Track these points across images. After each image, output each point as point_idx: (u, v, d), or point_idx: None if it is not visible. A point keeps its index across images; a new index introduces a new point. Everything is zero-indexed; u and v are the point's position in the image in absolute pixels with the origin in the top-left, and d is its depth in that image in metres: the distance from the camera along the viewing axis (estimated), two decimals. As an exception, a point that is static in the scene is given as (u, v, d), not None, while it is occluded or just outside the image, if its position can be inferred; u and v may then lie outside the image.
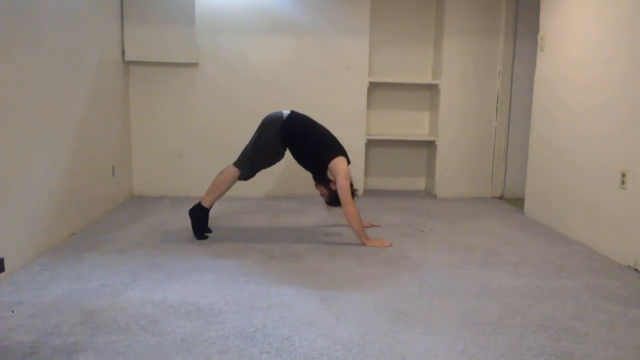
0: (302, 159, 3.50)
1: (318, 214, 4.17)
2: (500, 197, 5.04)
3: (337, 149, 3.44)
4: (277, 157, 3.49)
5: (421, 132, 5.27)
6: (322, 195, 3.61)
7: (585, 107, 3.56)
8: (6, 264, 2.58)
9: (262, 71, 4.72)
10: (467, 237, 3.63)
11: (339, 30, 4.75)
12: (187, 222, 3.76)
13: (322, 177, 3.49)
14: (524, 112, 4.76)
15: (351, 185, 3.43)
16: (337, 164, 3.35)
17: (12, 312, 2.28)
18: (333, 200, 3.47)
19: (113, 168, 4.21)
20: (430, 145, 5.18)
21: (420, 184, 5.37)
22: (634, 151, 3.08)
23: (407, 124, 5.25)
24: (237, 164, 3.43)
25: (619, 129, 3.22)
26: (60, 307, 2.34)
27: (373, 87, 4.96)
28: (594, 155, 3.47)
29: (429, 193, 5.19)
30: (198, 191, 4.64)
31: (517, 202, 4.73)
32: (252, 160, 3.42)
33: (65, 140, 3.39)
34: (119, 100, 4.39)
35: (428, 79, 5.13)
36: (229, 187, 3.47)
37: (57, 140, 3.28)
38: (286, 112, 3.45)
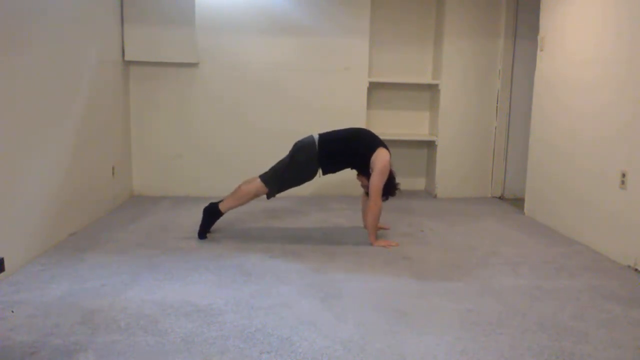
0: (347, 166, 3.52)
1: (318, 214, 4.17)
2: (500, 197, 5.04)
3: (370, 144, 3.42)
4: (308, 179, 3.48)
5: (421, 132, 5.27)
6: (362, 186, 3.61)
7: (586, 106, 3.56)
8: (6, 264, 2.56)
9: (262, 71, 4.72)
10: (467, 237, 3.63)
11: (339, 30, 4.75)
12: (187, 222, 3.76)
13: (365, 170, 3.48)
14: (524, 112, 4.76)
15: (394, 177, 3.45)
16: (377, 158, 3.35)
17: (12, 312, 2.28)
18: None
19: (113, 168, 4.21)
20: (430, 145, 5.18)
21: (420, 184, 5.37)
22: (634, 151, 3.08)
23: (407, 124, 5.25)
24: (265, 181, 3.38)
25: (619, 129, 3.21)
26: (60, 307, 2.34)
27: (373, 87, 4.96)
28: (594, 155, 3.46)
29: (429, 193, 5.19)
30: (198, 191, 4.66)
31: (517, 202, 4.72)
32: (282, 181, 3.40)
33: (65, 140, 3.39)
34: (119, 100, 4.39)
35: (428, 79, 5.13)
36: (251, 199, 3.45)
37: (57, 140, 3.28)
38: (316, 136, 3.43)
